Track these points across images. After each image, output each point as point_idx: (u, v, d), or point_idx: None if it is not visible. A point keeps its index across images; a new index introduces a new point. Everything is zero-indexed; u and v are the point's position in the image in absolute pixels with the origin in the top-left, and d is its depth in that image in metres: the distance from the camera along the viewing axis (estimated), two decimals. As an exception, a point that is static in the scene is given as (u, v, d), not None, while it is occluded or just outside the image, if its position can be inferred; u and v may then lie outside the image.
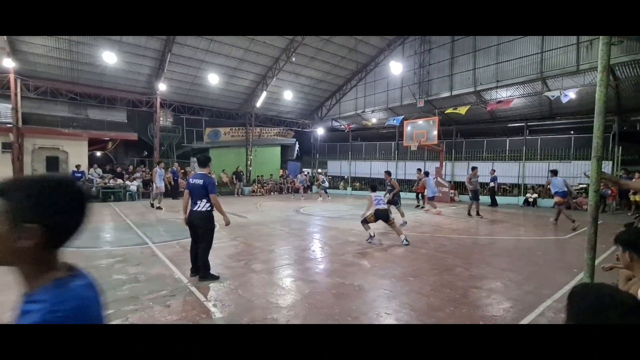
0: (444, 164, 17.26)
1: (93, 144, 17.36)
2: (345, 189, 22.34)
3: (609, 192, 12.52)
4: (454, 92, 16.61)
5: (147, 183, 16.08)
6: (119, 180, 15.50)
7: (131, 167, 17.62)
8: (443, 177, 16.84)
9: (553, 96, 13.31)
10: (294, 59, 17.28)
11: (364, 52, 18.88)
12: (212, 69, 16.71)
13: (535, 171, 15.33)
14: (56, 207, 0.79)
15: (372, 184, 8.13)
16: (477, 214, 10.94)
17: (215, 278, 4.44)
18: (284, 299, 3.88)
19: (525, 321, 3.34)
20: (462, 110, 15.62)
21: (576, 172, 14.07)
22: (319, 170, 25.32)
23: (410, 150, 17.92)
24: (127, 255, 5.60)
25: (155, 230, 8.00)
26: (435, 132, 15.71)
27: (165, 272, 4.77)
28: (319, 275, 4.83)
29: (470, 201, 11.29)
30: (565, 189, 9.21)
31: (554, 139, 16.44)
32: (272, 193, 20.68)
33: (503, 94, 15.53)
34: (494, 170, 14.42)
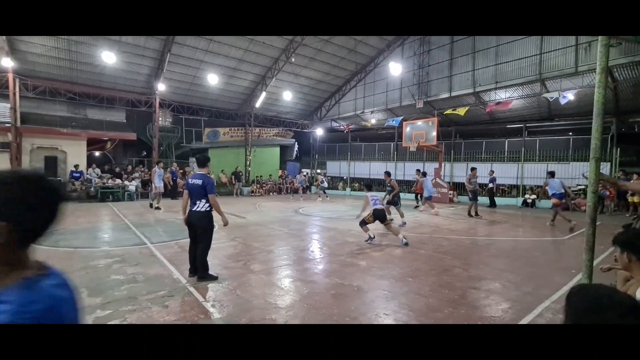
0: (443, 164, 17.28)
1: (92, 143, 17.32)
2: (344, 189, 22.35)
3: (607, 193, 12.55)
4: (453, 93, 16.64)
5: (146, 183, 16.06)
6: (118, 180, 15.46)
7: (130, 167, 17.58)
8: (442, 178, 16.86)
9: (552, 97, 13.34)
10: (293, 60, 17.28)
11: (363, 53, 18.90)
12: (212, 69, 16.70)
13: (534, 172, 15.37)
14: (25, 203, 0.75)
15: (368, 183, 8.11)
16: (476, 214, 11.00)
17: (213, 278, 4.43)
18: (283, 300, 3.87)
19: (523, 322, 3.34)
20: (461, 111, 15.66)
21: (575, 174, 14.11)
22: (318, 170, 25.33)
23: (410, 151, 17.93)
24: (125, 256, 5.59)
25: (153, 230, 7.98)
26: (435, 133, 15.73)
27: (163, 273, 4.76)
28: (317, 276, 4.83)
29: (470, 202, 11.35)
30: (562, 191, 9.24)
31: (553, 140, 16.47)
32: (271, 193, 20.67)
33: (502, 95, 15.56)
34: (493, 171, 14.45)
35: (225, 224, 4.73)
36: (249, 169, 21.37)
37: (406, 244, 6.55)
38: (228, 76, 17.84)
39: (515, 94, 15.11)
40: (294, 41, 16.33)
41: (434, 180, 16.04)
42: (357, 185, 22.37)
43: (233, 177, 19.39)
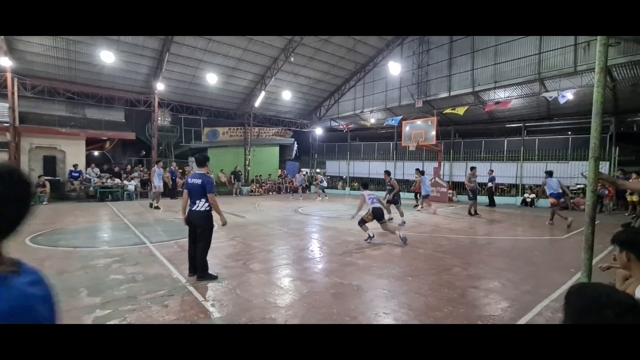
0: (442, 164, 17.30)
1: (91, 143, 17.30)
2: (343, 188, 22.36)
3: (606, 192, 12.58)
4: (452, 93, 16.65)
5: (145, 183, 16.05)
6: (117, 180, 15.45)
7: (129, 167, 17.56)
8: (441, 177, 16.87)
9: (551, 97, 13.36)
10: (292, 59, 17.27)
11: (362, 53, 18.90)
12: (211, 68, 16.68)
13: (533, 171, 15.39)
14: None
15: (364, 182, 8.11)
16: (475, 212, 11.03)
17: (213, 278, 4.43)
18: (283, 299, 3.87)
19: (522, 321, 3.35)
20: (461, 110, 15.67)
21: (574, 173, 14.14)
22: (318, 170, 25.33)
23: (409, 150, 17.95)
24: (124, 255, 5.58)
25: (153, 229, 7.97)
26: (434, 133, 15.74)
27: (163, 272, 4.75)
28: (317, 275, 4.83)
29: (470, 201, 11.40)
30: (560, 190, 9.31)
31: (552, 140, 16.50)
32: (270, 193, 20.66)
33: (501, 94, 15.58)
34: (492, 171, 14.47)
35: (224, 224, 4.73)
36: (248, 168, 21.36)
37: (405, 239, 6.56)
38: (227, 75, 17.82)
39: (515, 93, 15.13)
40: (293, 40, 16.31)
41: (433, 180, 16.07)
42: (356, 184, 22.37)
43: (232, 176, 19.38)
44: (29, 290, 0.75)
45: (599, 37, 2.46)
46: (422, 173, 12.53)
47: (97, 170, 15.84)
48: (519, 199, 15.26)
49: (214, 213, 4.53)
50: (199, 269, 4.42)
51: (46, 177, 13.71)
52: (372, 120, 20.72)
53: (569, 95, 12.75)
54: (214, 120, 21.02)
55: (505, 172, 16.25)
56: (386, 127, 20.14)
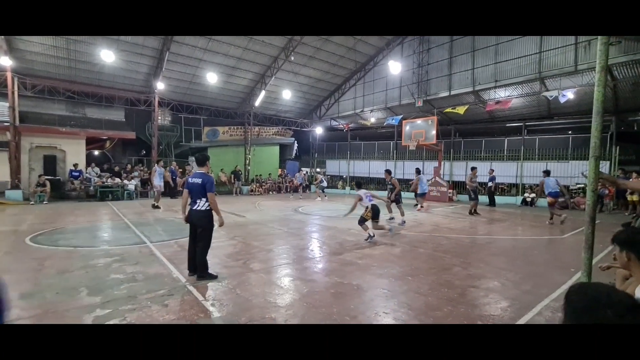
0: (442, 163, 17.29)
1: (91, 142, 17.29)
2: (343, 188, 22.35)
3: (607, 192, 12.57)
4: (453, 92, 16.63)
5: (145, 182, 16.05)
6: (117, 180, 15.45)
7: (129, 166, 17.57)
8: (442, 176, 16.86)
9: (551, 96, 13.34)
10: (292, 58, 17.25)
11: (362, 52, 18.87)
12: (211, 67, 16.67)
13: (534, 171, 15.37)
14: None
15: (358, 182, 8.17)
16: (475, 212, 11.08)
17: (213, 277, 4.43)
18: (283, 299, 3.88)
19: (522, 320, 3.35)
20: (461, 110, 15.65)
21: (574, 172, 14.13)
22: (318, 169, 25.33)
23: (409, 149, 17.93)
24: (125, 255, 5.58)
25: (153, 229, 7.98)
26: (434, 132, 15.73)
27: (163, 272, 4.75)
28: (317, 275, 4.83)
29: (471, 201, 11.43)
30: (558, 189, 9.34)
31: (552, 139, 16.49)
32: (270, 192, 20.65)
33: (501, 93, 15.55)
34: (492, 170, 14.47)
35: (221, 224, 4.73)
36: (249, 167, 21.35)
37: (391, 230, 7.20)
38: (227, 75, 17.81)
39: (515, 92, 15.11)
40: (293, 40, 16.29)
41: (433, 179, 16.08)
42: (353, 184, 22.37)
43: (232, 176, 19.38)
44: None
45: (599, 36, 2.46)
46: (418, 171, 12.64)
47: (97, 169, 15.83)
48: (519, 198, 15.26)
49: (213, 212, 4.54)
50: (198, 268, 4.42)
51: (46, 177, 13.72)
52: (373, 120, 20.70)
53: (570, 95, 12.73)
54: (214, 120, 21.01)
55: (505, 171, 16.24)
56: (386, 127, 20.13)
